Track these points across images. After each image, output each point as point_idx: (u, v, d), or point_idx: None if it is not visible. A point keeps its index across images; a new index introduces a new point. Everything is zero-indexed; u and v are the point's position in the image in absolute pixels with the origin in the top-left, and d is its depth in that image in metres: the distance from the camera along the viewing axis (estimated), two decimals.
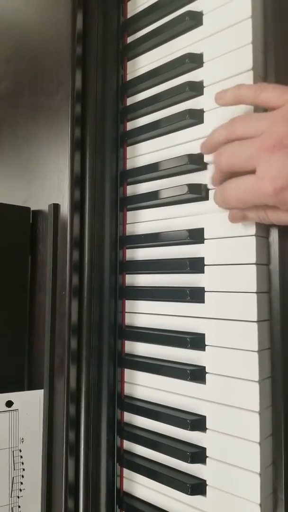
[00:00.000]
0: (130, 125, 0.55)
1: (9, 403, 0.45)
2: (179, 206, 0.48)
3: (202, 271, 0.44)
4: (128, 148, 0.54)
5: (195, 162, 0.45)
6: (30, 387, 0.50)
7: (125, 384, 0.53)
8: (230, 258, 0.42)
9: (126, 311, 0.53)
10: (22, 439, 0.46)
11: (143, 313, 0.52)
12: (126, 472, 0.51)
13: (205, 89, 0.45)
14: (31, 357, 0.51)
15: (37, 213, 0.52)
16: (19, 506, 0.45)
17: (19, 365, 0.49)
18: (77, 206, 0.49)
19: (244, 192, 0.36)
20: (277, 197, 0.34)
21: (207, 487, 0.42)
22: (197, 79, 0.46)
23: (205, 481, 0.43)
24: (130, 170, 0.53)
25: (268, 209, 0.37)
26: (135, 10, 0.54)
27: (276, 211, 0.36)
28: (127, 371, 0.52)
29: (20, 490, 0.46)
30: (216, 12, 0.45)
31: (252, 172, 0.35)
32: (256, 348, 0.39)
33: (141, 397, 0.51)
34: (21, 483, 0.46)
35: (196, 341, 0.44)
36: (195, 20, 0.47)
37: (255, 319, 0.40)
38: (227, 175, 0.39)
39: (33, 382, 0.50)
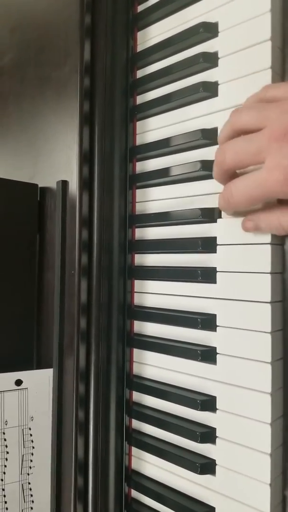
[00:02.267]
0: (140, 99, 0.53)
1: (18, 382, 0.45)
2: (191, 184, 0.47)
3: (214, 251, 0.43)
4: (138, 123, 0.53)
5: (209, 137, 0.44)
6: (39, 366, 0.50)
7: (134, 364, 0.52)
8: (244, 238, 0.41)
9: (135, 291, 0.53)
10: (32, 417, 0.46)
11: (152, 293, 0.51)
12: (135, 450, 0.52)
13: (220, 61, 0.43)
14: (39, 336, 0.50)
15: (44, 190, 0.51)
16: (29, 483, 0.46)
17: (27, 344, 0.49)
18: (85, 183, 0.47)
19: (252, 188, 0.34)
20: None
21: (217, 467, 0.42)
22: (211, 50, 0.44)
23: (214, 460, 0.43)
24: (139, 146, 0.52)
25: (280, 213, 0.35)
26: None
27: None
28: (135, 351, 0.52)
29: (30, 467, 0.46)
30: None
31: (259, 168, 0.34)
32: (269, 329, 0.39)
33: (150, 376, 0.51)
34: (31, 460, 0.46)
35: (207, 322, 0.44)
36: None
37: (269, 299, 0.39)
38: (231, 175, 0.37)
39: (42, 361, 0.50)
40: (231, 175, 0.38)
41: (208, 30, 0.44)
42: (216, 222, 0.43)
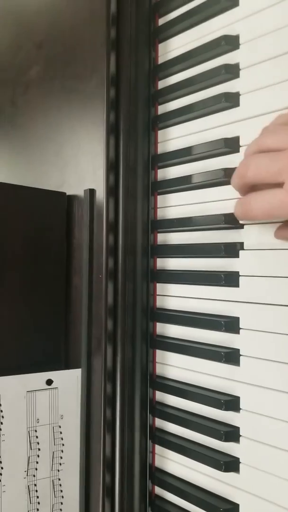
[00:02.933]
0: (161, 109, 0.54)
1: (49, 381, 0.47)
2: (212, 190, 0.48)
3: (237, 256, 0.45)
4: (160, 132, 0.55)
5: (230, 146, 0.45)
6: (67, 367, 0.52)
7: (157, 365, 0.54)
8: (267, 243, 0.42)
9: (157, 294, 0.54)
10: (62, 416, 0.48)
11: (174, 296, 0.52)
12: (158, 448, 0.53)
13: (241, 72, 0.45)
14: (67, 338, 0.52)
15: (72, 198, 0.53)
16: (59, 479, 0.48)
17: (57, 346, 0.51)
18: (111, 191, 0.49)
19: (272, 207, 0.35)
20: None
21: (241, 465, 0.44)
22: (233, 62, 0.46)
23: (238, 459, 0.44)
24: (161, 154, 0.54)
25: None
26: None
27: None
28: (158, 352, 0.54)
29: (60, 464, 0.48)
30: None
31: (279, 185, 0.35)
32: None
33: (172, 377, 0.52)
34: (61, 457, 0.48)
35: (231, 324, 0.45)
36: (231, 0, 0.46)
37: None
38: (250, 187, 0.39)
39: (70, 361, 0.52)
40: (250, 187, 0.39)
41: (230, 42, 0.46)
42: (237, 228, 0.45)
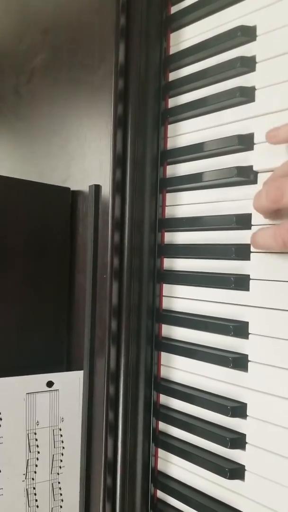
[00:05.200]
0: (172, 102, 0.52)
1: (50, 383, 0.46)
2: (224, 189, 0.46)
3: (248, 258, 0.43)
4: (169, 126, 0.52)
5: (244, 143, 0.43)
6: (69, 368, 0.50)
7: (162, 367, 0.53)
8: None
9: (164, 295, 0.53)
10: (62, 418, 0.47)
11: (181, 298, 0.51)
12: (161, 452, 0.52)
13: (257, 65, 0.43)
14: (70, 339, 0.51)
15: (76, 194, 0.51)
16: (59, 482, 0.47)
17: (58, 347, 0.50)
18: (118, 187, 0.47)
19: None
20: None
21: (246, 472, 0.43)
22: (249, 54, 0.44)
23: (243, 466, 0.43)
24: (172, 150, 0.52)
25: None
26: None
27: None
28: (163, 354, 0.52)
29: (60, 467, 0.47)
30: None
31: None
32: None
33: (178, 380, 0.51)
34: (61, 460, 0.47)
35: (239, 329, 0.43)
36: None
37: None
38: (276, 212, 0.37)
39: (72, 363, 0.50)
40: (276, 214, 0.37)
41: (246, 33, 0.43)
42: (250, 229, 0.43)
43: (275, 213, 0.38)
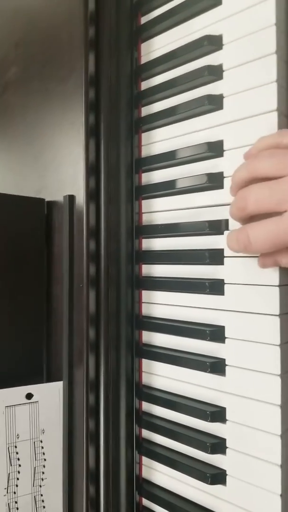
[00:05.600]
0: (145, 111, 0.53)
1: (29, 395, 0.46)
2: (196, 195, 0.47)
3: (222, 263, 0.44)
4: (143, 135, 0.53)
5: (214, 150, 0.44)
6: (49, 379, 0.50)
7: (143, 374, 0.53)
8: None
9: (143, 301, 0.53)
10: (43, 430, 0.46)
11: (160, 304, 0.51)
12: (145, 460, 0.52)
13: (224, 73, 0.43)
14: (49, 350, 0.51)
15: (51, 204, 0.51)
16: (41, 495, 0.46)
17: (37, 358, 0.50)
18: (92, 195, 0.48)
19: (278, 235, 0.34)
20: None
21: (227, 477, 0.43)
22: (216, 63, 0.45)
23: (225, 471, 0.43)
24: (145, 158, 0.52)
25: None
26: None
27: None
28: (144, 361, 0.52)
29: (42, 479, 0.46)
30: None
31: (278, 213, 0.33)
32: (278, 341, 0.39)
33: (159, 387, 0.51)
34: (43, 472, 0.47)
35: (216, 334, 0.44)
36: None
37: (277, 312, 0.39)
38: (251, 218, 0.37)
39: (52, 374, 0.50)
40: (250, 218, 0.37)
41: (213, 43, 0.44)
42: (223, 234, 0.43)
43: (251, 219, 0.38)
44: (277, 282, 0.39)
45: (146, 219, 0.53)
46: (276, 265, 0.38)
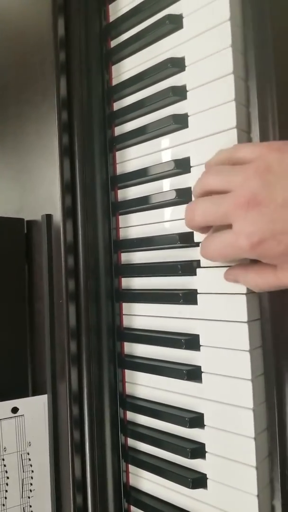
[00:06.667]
0: (118, 130, 0.55)
1: (14, 409, 0.47)
2: (167, 210, 0.49)
3: (194, 274, 0.45)
4: (117, 153, 0.55)
5: (181, 167, 0.46)
6: (35, 393, 0.52)
7: (126, 384, 0.54)
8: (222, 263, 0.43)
9: (124, 313, 0.55)
10: (29, 442, 0.48)
11: (140, 315, 0.53)
12: (132, 467, 0.54)
13: (188, 93, 0.46)
14: (33, 364, 0.52)
15: (31, 223, 0.53)
16: (30, 506, 0.47)
17: (22, 373, 0.51)
18: (69, 213, 0.50)
19: (224, 247, 0.36)
20: (256, 251, 0.34)
21: (208, 481, 0.44)
22: (180, 83, 0.47)
23: (205, 475, 0.45)
24: (119, 175, 0.54)
25: (254, 274, 0.37)
26: (117, 14, 0.54)
27: (262, 274, 0.36)
28: (127, 371, 0.54)
29: (30, 490, 0.48)
30: (195, 15, 0.45)
31: (230, 225, 0.35)
32: (247, 347, 0.41)
33: (142, 396, 0.52)
34: (31, 484, 0.48)
35: (191, 342, 0.45)
36: (175, 23, 0.47)
37: (246, 319, 0.41)
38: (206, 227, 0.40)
39: (37, 387, 0.52)
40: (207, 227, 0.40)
41: (176, 65, 0.46)
42: (193, 246, 0.45)
43: (207, 229, 0.40)
44: (244, 290, 0.41)
45: (123, 234, 0.55)
46: (236, 282, 0.40)
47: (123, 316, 0.55)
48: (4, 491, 0.46)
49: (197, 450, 0.45)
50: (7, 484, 0.47)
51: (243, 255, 0.35)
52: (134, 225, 0.53)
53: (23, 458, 0.47)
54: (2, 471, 0.46)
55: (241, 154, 0.37)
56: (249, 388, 0.41)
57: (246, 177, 0.34)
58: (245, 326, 0.41)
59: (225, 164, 0.38)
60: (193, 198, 0.42)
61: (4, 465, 0.46)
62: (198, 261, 0.45)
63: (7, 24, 0.59)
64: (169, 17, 0.46)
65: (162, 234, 0.49)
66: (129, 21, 0.52)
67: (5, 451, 0.46)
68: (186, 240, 0.46)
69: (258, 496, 0.40)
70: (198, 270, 0.45)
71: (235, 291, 0.42)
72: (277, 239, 0.33)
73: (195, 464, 0.46)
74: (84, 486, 0.49)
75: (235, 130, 0.41)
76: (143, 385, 0.52)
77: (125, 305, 0.55)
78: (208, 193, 0.38)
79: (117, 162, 0.55)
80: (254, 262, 0.37)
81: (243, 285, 0.40)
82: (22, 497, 0.47)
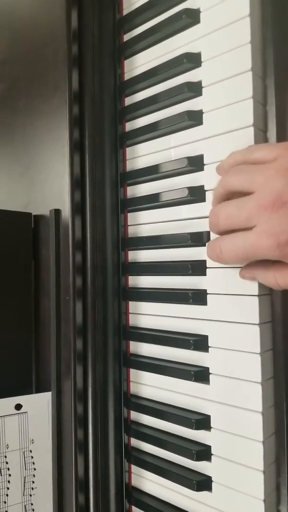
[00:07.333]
0: (129, 126, 0.54)
1: (18, 406, 0.47)
2: (178, 208, 0.48)
3: (204, 274, 0.45)
4: (128, 149, 0.54)
5: (194, 164, 0.45)
6: (38, 390, 0.51)
7: (131, 383, 0.54)
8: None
9: (130, 312, 0.54)
10: (32, 440, 0.47)
11: (146, 314, 0.52)
12: (134, 468, 0.53)
13: (203, 90, 0.45)
14: (38, 361, 0.52)
15: (38, 218, 0.52)
16: (31, 504, 0.47)
17: (26, 369, 0.50)
18: (77, 209, 0.49)
19: (241, 248, 0.35)
20: (283, 251, 0.33)
21: (213, 483, 0.44)
22: (195, 79, 0.46)
23: (210, 477, 0.44)
24: (130, 172, 0.53)
25: (275, 272, 0.36)
26: (131, 7, 0.53)
27: (283, 273, 0.36)
28: (132, 371, 0.53)
29: (32, 488, 0.47)
30: (214, 10, 0.44)
31: (248, 228, 0.35)
32: (258, 350, 0.40)
33: (146, 396, 0.52)
34: (33, 482, 0.47)
35: (200, 343, 0.45)
36: (192, 18, 0.46)
37: (257, 321, 0.40)
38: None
39: (41, 385, 0.51)
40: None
41: (192, 60, 0.46)
42: (205, 246, 0.45)
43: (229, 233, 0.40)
44: (256, 292, 0.40)
45: (132, 231, 0.54)
46: (253, 279, 0.39)
47: (129, 314, 0.54)
48: (6, 489, 0.46)
49: (203, 452, 0.45)
50: (9, 482, 0.46)
51: (266, 255, 0.35)
52: (143, 223, 0.52)
53: (25, 456, 0.47)
54: (4, 469, 0.46)
55: (259, 155, 0.36)
56: (258, 391, 0.40)
57: (268, 177, 0.33)
58: (257, 328, 0.40)
59: (242, 163, 0.37)
60: (212, 200, 0.41)
61: (6, 462, 0.46)
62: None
63: (19, 14, 0.58)
64: (186, 11, 0.46)
65: (173, 233, 0.48)
66: (144, 14, 0.51)
67: (7, 448, 0.46)
68: (197, 239, 0.45)
69: (264, 500, 0.40)
70: (208, 270, 0.44)
71: (247, 292, 0.41)
72: None
73: (200, 466, 0.46)
74: (86, 486, 0.48)
75: (251, 128, 0.41)
76: (148, 385, 0.52)
77: (131, 304, 0.54)
78: (230, 194, 0.37)
79: (127, 158, 0.54)
80: (272, 261, 0.37)
81: (261, 282, 0.39)
82: (23, 495, 0.47)
